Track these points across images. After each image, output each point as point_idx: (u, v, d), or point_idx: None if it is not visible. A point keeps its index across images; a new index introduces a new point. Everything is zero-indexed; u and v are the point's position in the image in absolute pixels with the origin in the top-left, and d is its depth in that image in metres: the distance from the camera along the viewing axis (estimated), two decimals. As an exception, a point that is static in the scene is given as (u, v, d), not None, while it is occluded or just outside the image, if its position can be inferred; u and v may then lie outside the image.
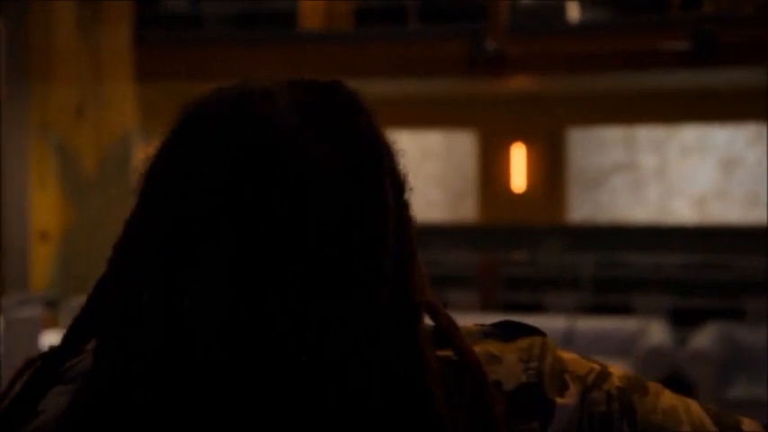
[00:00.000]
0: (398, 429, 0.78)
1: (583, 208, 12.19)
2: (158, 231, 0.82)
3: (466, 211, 12.10)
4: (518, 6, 10.00)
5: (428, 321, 0.87)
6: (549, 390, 0.83)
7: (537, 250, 11.19)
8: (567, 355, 0.88)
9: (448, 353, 0.84)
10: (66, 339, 0.88)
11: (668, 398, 0.86)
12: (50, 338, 6.93)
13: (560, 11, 9.79)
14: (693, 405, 0.86)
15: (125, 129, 10.57)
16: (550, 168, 11.68)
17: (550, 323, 8.42)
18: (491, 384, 0.82)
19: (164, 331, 0.79)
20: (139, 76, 10.60)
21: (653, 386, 0.87)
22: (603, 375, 0.86)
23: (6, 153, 9.30)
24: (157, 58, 10.58)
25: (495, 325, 0.89)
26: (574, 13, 9.94)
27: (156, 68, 10.57)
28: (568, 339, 8.36)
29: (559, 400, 0.83)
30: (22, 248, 9.42)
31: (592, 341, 8.31)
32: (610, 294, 10.35)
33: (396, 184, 0.86)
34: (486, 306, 9.54)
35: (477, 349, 0.85)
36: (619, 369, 0.88)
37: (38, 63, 10.09)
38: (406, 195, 0.87)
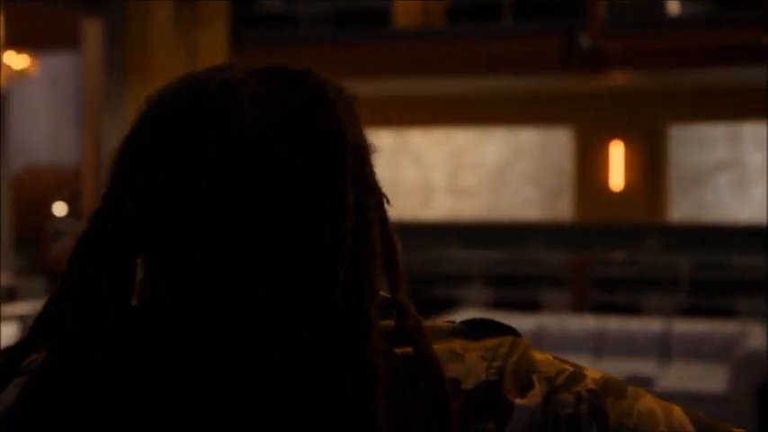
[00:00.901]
0: None
1: (684, 207, 11.87)
2: (119, 224, 0.81)
3: (561, 209, 11.91)
4: (615, 1, 9.78)
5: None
6: (508, 389, 0.81)
7: (635, 250, 10.94)
8: (541, 356, 0.84)
9: (409, 350, 0.81)
10: (30, 332, 0.87)
11: (648, 401, 0.82)
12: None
13: (659, 5, 9.54)
14: (676, 410, 0.82)
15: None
16: (650, 166, 11.41)
17: (646, 325, 8.22)
18: (448, 382, 0.80)
19: (120, 324, 0.79)
20: (234, 75, 10.73)
21: (632, 390, 0.83)
22: (576, 377, 0.82)
23: (106, 151, 9.55)
24: (251, 58, 10.67)
25: (466, 322, 0.87)
26: (673, 7, 9.68)
27: (250, 67, 10.70)
28: (665, 342, 8.14)
29: (519, 401, 0.80)
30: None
31: (688, 344, 8.07)
32: (710, 296, 10.05)
33: (360, 183, 0.82)
34: (577, 307, 9.37)
35: (440, 347, 0.82)
36: (596, 372, 0.84)
37: (136, 61, 10.32)
38: (374, 196, 0.84)
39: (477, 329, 0.86)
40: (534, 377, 0.82)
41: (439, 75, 10.68)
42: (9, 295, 8.35)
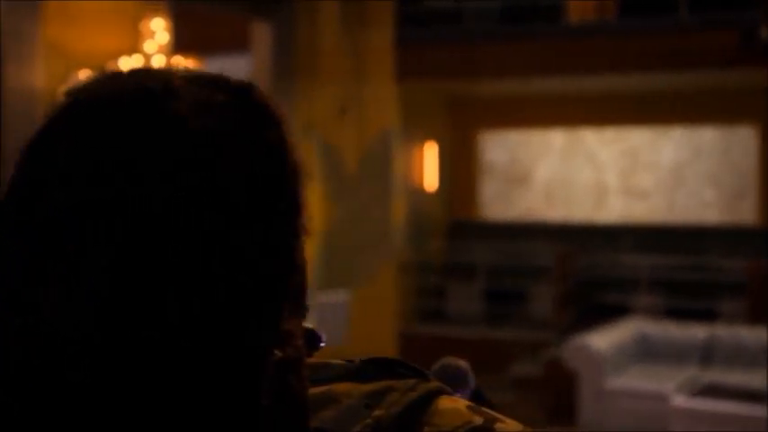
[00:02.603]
0: None
1: None
2: (22, 229, 0.72)
3: (743, 212, 11.24)
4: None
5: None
6: None
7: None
8: (448, 405, 0.74)
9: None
10: None
11: None
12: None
13: None
14: None
15: (385, 127, 10.72)
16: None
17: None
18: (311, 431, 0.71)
19: (22, 345, 0.70)
20: (399, 75, 10.70)
21: None
22: (483, 430, 0.72)
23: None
24: (417, 57, 10.64)
25: (367, 361, 0.78)
26: None
27: (415, 67, 10.64)
28: None
29: None
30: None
31: None
32: None
33: (293, 206, 0.75)
34: (755, 318, 8.77)
35: (318, 390, 0.74)
36: (516, 426, 0.75)
37: (304, 64, 10.44)
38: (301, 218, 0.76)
39: (376, 370, 0.76)
40: (426, 430, 0.72)
41: (612, 72, 10.28)
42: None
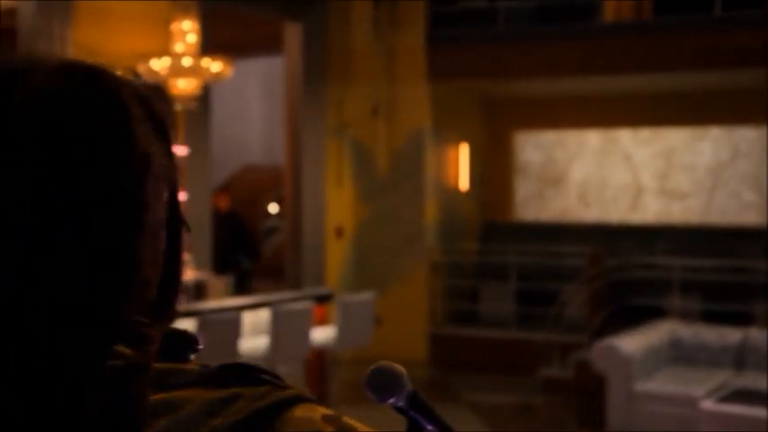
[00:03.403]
0: None
1: None
2: None
3: (782, 214, 11.03)
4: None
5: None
6: None
7: None
8: (301, 414, 0.71)
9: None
10: None
11: None
12: (320, 332, 7.12)
13: None
14: None
15: (416, 128, 10.69)
16: None
17: None
18: None
19: None
20: (432, 75, 10.66)
21: None
22: None
23: (306, 153, 9.71)
24: (449, 57, 10.58)
25: (222, 367, 0.75)
26: None
27: (447, 67, 10.59)
28: None
29: None
30: (318, 245, 9.78)
31: None
32: None
33: (142, 194, 0.72)
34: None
35: (162, 397, 0.71)
36: None
37: (336, 65, 10.45)
38: (150, 213, 0.72)
39: (231, 377, 0.73)
40: None
41: (647, 71, 10.16)
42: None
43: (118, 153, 0.72)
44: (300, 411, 0.72)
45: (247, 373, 0.74)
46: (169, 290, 0.74)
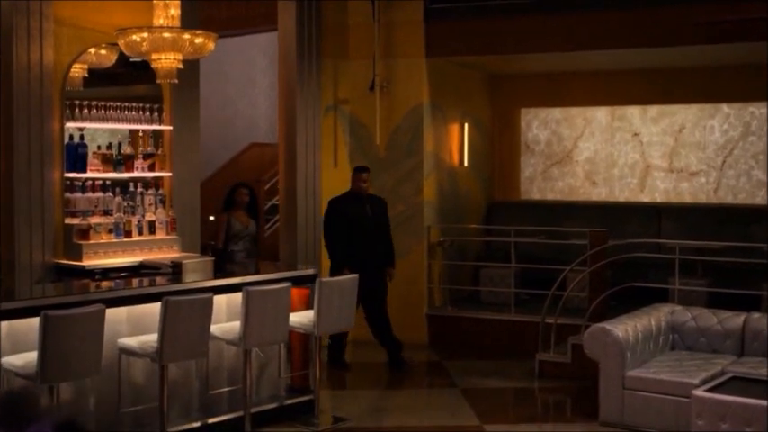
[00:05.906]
0: None
1: None
2: None
3: (794, 193, 10.69)
4: None
5: None
6: None
7: None
8: None
9: None
10: None
11: None
12: (300, 315, 6.89)
13: None
14: None
15: (414, 104, 10.41)
16: None
17: None
18: None
19: None
20: (431, 51, 10.37)
21: None
22: None
23: (300, 130, 9.47)
24: (447, 33, 10.28)
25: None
26: None
27: (446, 42, 10.29)
28: None
29: None
30: (313, 225, 9.55)
31: None
32: None
33: None
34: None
35: None
36: None
37: (331, 41, 10.18)
38: None
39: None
40: None
41: (655, 46, 9.81)
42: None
43: None
44: None
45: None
46: None
